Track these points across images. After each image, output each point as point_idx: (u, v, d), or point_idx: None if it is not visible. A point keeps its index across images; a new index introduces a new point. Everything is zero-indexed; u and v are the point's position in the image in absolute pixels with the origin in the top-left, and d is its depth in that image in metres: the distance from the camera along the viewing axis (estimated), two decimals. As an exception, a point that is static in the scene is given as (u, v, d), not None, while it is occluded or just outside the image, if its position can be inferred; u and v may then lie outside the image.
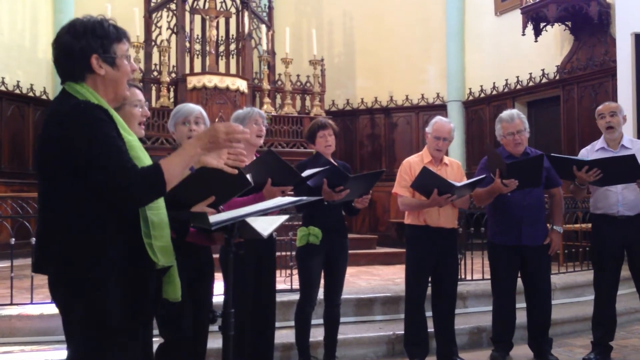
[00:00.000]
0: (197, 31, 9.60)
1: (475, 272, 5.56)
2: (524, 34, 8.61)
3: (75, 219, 1.85)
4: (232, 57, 9.82)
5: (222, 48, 9.72)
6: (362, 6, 11.22)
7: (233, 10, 9.58)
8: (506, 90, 9.72)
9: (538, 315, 4.21)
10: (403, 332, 4.20)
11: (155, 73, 8.68)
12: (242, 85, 8.81)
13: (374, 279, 6.10)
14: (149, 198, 1.91)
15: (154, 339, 2.36)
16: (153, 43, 8.81)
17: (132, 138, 2.00)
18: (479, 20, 10.29)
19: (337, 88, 11.09)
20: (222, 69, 9.30)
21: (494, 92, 9.95)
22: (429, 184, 3.80)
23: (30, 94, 9.07)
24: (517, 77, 9.50)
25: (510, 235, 4.13)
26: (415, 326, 4.11)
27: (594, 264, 4.37)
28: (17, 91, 8.88)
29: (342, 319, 4.13)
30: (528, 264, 4.18)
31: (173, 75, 8.95)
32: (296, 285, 4.35)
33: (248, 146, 3.43)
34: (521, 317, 4.34)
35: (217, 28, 9.23)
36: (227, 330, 2.36)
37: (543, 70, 9.07)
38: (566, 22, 8.55)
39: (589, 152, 4.29)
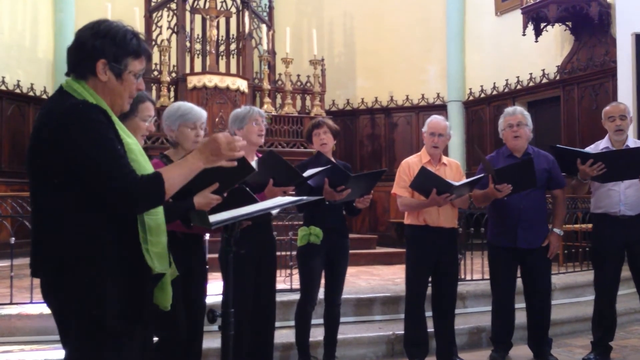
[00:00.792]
0: (198, 31, 9.60)
1: (475, 272, 5.56)
2: (524, 34, 8.61)
3: (71, 223, 1.82)
4: (233, 57, 9.82)
5: (222, 48, 9.72)
6: (363, 6, 11.22)
7: (233, 10, 9.58)
8: (506, 90, 9.72)
9: (538, 315, 4.21)
10: (403, 332, 4.20)
11: (155, 72, 8.69)
12: (242, 85, 8.81)
13: (374, 279, 6.10)
14: (146, 206, 1.89)
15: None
16: (153, 42, 8.81)
17: (131, 141, 1.97)
18: (479, 21, 10.29)
19: (337, 88, 11.09)
20: (222, 68, 9.30)
21: (494, 92, 9.95)
22: (427, 183, 3.80)
23: (31, 93, 9.06)
24: (518, 77, 9.50)
25: (507, 238, 4.14)
26: (415, 326, 4.11)
27: (594, 263, 4.37)
28: (17, 91, 8.88)
29: (341, 319, 4.13)
30: (527, 265, 4.18)
31: (173, 74, 8.96)
32: (296, 285, 4.35)
33: (249, 145, 3.43)
34: (521, 317, 4.34)
35: (218, 28, 9.23)
36: (227, 329, 2.36)
37: (543, 70, 9.07)
38: (566, 23, 8.55)
39: (593, 152, 4.28)
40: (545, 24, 8.52)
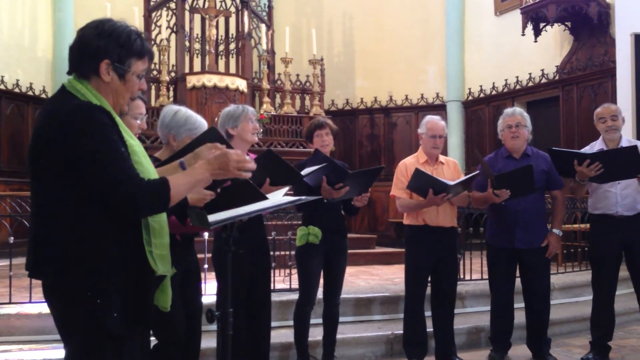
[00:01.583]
0: (197, 30, 9.60)
1: (474, 272, 5.56)
2: (523, 34, 8.61)
3: (74, 224, 1.80)
4: (232, 57, 9.82)
5: (221, 47, 9.73)
6: (362, 6, 11.22)
7: (233, 9, 9.58)
8: (506, 90, 9.72)
9: (536, 315, 4.21)
10: (402, 331, 4.20)
11: (154, 72, 8.68)
12: (241, 84, 8.81)
13: (373, 279, 6.10)
14: (150, 212, 1.88)
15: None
16: (152, 42, 8.80)
17: (134, 142, 1.95)
18: (478, 21, 10.29)
19: (336, 88, 11.09)
20: (221, 68, 9.31)
21: (494, 92, 9.95)
22: (423, 184, 3.81)
23: (30, 92, 9.06)
24: (517, 77, 9.51)
25: (505, 238, 4.14)
26: (414, 326, 4.11)
27: (592, 264, 4.37)
28: (17, 90, 8.87)
29: (341, 319, 4.13)
30: (526, 265, 4.19)
31: (172, 74, 8.95)
32: (295, 284, 4.35)
33: (243, 144, 3.43)
34: (520, 317, 4.34)
35: (217, 27, 9.24)
36: (225, 329, 2.36)
37: (542, 70, 9.08)
38: (566, 23, 8.56)
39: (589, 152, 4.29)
40: (544, 24, 8.52)
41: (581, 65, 8.51)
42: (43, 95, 9.18)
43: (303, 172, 3.39)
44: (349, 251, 4.09)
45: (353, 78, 11.39)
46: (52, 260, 1.82)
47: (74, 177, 1.79)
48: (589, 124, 8.09)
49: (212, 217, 2.31)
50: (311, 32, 9.92)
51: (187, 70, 8.88)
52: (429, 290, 4.18)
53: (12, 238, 4.50)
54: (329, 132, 3.96)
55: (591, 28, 8.28)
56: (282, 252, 5.28)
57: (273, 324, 3.78)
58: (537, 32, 8.59)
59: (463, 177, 3.99)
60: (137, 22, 8.41)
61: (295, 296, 4.08)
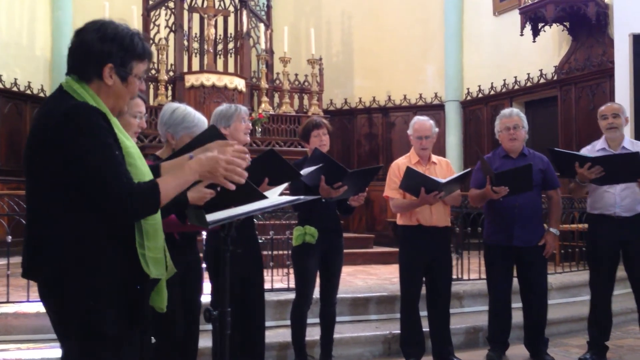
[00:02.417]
0: (196, 29, 9.59)
1: (471, 272, 5.57)
2: (522, 34, 8.62)
3: (68, 227, 1.80)
4: (230, 56, 9.81)
5: (220, 47, 9.72)
6: (361, 5, 11.22)
7: (231, 8, 9.58)
8: (504, 90, 9.73)
9: (534, 315, 4.22)
10: (399, 331, 4.21)
11: (153, 71, 8.68)
12: (240, 84, 8.81)
13: (371, 278, 6.10)
14: (140, 215, 1.87)
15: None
16: (151, 41, 8.79)
17: (130, 144, 1.95)
18: (477, 21, 10.30)
19: (335, 87, 11.08)
20: (220, 67, 9.30)
21: (492, 92, 9.96)
22: (414, 183, 3.82)
23: (28, 91, 9.04)
24: (515, 77, 9.51)
25: (503, 236, 4.15)
26: (410, 326, 4.12)
27: (589, 263, 4.38)
28: (15, 89, 8.86)
29: (338, 318, 4.13)
30: (523, 264, 4.20)
31: (171, 73, 8.94)
32: (293, 284, 4.35)
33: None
34: (517, 317, 4.35)
35: (216, 26, 9.23)
36: (223, 329, 2.36)
37: (541, 70, 9.08)
38: (564, 23, 8.56)
39: (590, 152, 4.28)
40: (543, 24, 8.53)
41: (579, 66, 8.52)
42: (41, 94, 9.17)
43: (302, 172, 3.39)
44: (347, 251, 4.09)
45: (352, 78, 11.39)
46: (47, 261, 1.82)
47: (69, 177, 1.79)
48: (587, 124, 8.13)
49: (210, 217, 2.31)
50: (310, 31, 9.91)
51: (185, 69, 8.88)
52: (424, 290, 4.19)
53: (10, 237, 4.50)
54: (326, 131, 3.96)
55: (589, 28, 8.28)
56: (280, 252, 5.29)
57: (270, 323, 3.78)
58: (536, 32, 8.59)
59: (455, 175, 4.00)
60: (135, 21, 8.41)
61: (293, 295, 4.08)
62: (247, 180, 2.36)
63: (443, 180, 3.82)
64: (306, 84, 9.72)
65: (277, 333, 4.28)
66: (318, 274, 3.96)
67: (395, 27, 10.95)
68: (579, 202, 6.54)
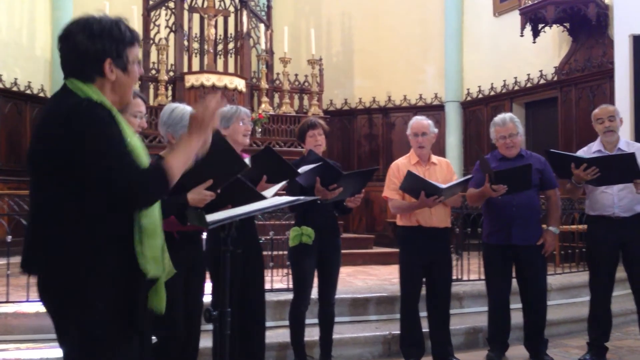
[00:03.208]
0: (196, 30, 9.59)
1: (471, 273, 5.57)
2: (522, 35, 8.62)
3: (72, 223, 1.80)
4: (231, 56, 9.82)
5: (220, 47, 9.73)
6: (361, 6, 11.22)
7: (232, 9, 9.58)
8: (504, 91, 9.73)
9: (533, 315, 4.22)
10: (399, 332, 4.21)
11: (153, 71, 8.68)
12: (240, 84, 8.81)
13: (371, 279, 6.10)
14: (153, 198, 1.88)
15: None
16: (151, 41, 8.80)
17: (134, 139, 1.96)
18: (477, 21, 10.30)
19: (335, 88, 11.08)
20: (220, 67, 9.31)
21: (492, 93, 9.96)
22: (415, 186, 3.83)
23: (28, 91, 9.04)
24: (515, 78, 9.51)
25: (501, 235, 4.15)
26: (409, 327, 4.12)
27: (589, 264, 4.39)
28: (15, 89, 8.85)
29: (338, 319, 4.13)
30: (522, 264, 4.20)
31: (171, 73, 8.95)
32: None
33: (234, 145, 3.43)
34: (517, 318, 4.35)
35: (216, 27, 9.23)
36: (223, 329, 2.36)
37: (541, 71, 9.08)
38: (564, 24, 8.56)
39: (586, 154, 4.29)
40: (543, 25, 8.53)
41: (579, 67, 8.52)
42: (41, 94, 9.17)
43: (300, 170, 3.40)
44: (347, 251, 4.10)
45: (352, 78, 11.39)
46: (48, 258, 1.82)
47: (74, 175, 1.79)
48: (587, 125, 8.09)
49: (210, 217, 2.31)
50: (310, 31, 9.92)
51: (185, 69, 8.88)
52: (424, 290, 4.19)
53: (10, 237, 4.50)
54: (322, 132, 3.96)
55: (590, 29, 8.28)
56: (280, 252, 5.28)
57: (270, 323, 3.78)
58: (536, 33, 8.60)
59: (455, 181, 4.01)
60: (135, 21, 8.41)
61: (292, 296, 4.08)
62: (246, 181, 2.37)
63: (444, 186, 3.82)
64: (306, 84, 9.72)
65: (277, 333, 4.28)
66: (316, 274, 3.96)
67: (396, 27, 10.95)
68: (579, 203, 6.54)
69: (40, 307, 4.06)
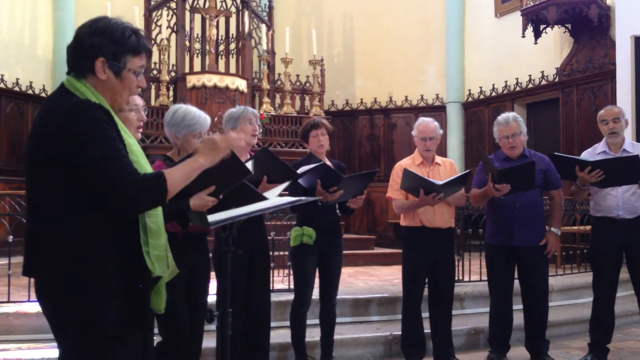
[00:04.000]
0: (197, 30, 9.59)
1: (473, 274, 5.57)
2: (523, 36, 8.61)
3: (70, 223, 1.79)
4: (232, 57, 9.82)
5: (222, 47, 9.72)
6: (362, 6, 11.22)
7: (233, 9, 9.58)
8: (505, 92, 9.73)
9: (535, 316, 4.21)
10: (400, 332, 4.20)
11: (154, 72, 8.68)
12: (241, 84, 8.81)
13: (372, 280, 6.10)
14: (148, 205, 1.88)
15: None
16: (153, 42, 8.80)
17: (132, 141, 1.96)
18: (479, 22, 10.30)
19: (336, 88, 11.09)
20: (221, 68, 9.30)
21: (493, 94, 9.96)
22: (413, 184, 3.82)
23: (30, 91, 9.05)
24: (517, 78, 9.51)
25: (503, 236, 4.15)
26: (411, 327, 4.12)
27: (592, 265, 4.38)
28: (16, 89, 8.87)
29: (339, 319, 4.13)
30: (524, 265, 4.20)
31: (173, 74, 8.94)
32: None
33: (243, 146, 3.44)
34: (518, 319, 4.35)
35: (217, 27, 9.23)
36: (225, 329, 2.36)
37: (542, 72, 9.08)
38: (566, 25, 8.56)
39: (591, 155, 4.29)
40: (544, 25, 8.53)
41: (581, 67, 8.52)
42: (43, 94, 9.17)
43: (299, 171, 3.41)
44: (348, 252, 4.10)
45: (353, 78, 11.39)
46: (47, 259, 1.81)
47: (71, 175, 1.79)
48: (589, 126, 8.12)
49: (211, 218, 2.31)
50: (311, 32, 9.92)
51: (187, 70, 8.88)
52: (426, 291, 4.18)
53: (12, 237, 4.50)
54: (325, 132, 3.96)
55: (591, 30, 8.28)
56: (281, 252, 5.28)
57: (271, 324, 3.78)
58: (537, 34, 8.59)
59: (453, 176, 4.00)
60: (137, 21, 8.41)
61: (293, 296, 4.08)
62: (246, 181, 2.37)
63: (440, 182, 3.82)
64: (307, 84, 9.72)
65: (278, 334, 4.28)
66: (317, 274, 3.96)
67: (397, 28, 10.95)
68: (581, 204, 6.54)
69: (41, 307, 4.08)
